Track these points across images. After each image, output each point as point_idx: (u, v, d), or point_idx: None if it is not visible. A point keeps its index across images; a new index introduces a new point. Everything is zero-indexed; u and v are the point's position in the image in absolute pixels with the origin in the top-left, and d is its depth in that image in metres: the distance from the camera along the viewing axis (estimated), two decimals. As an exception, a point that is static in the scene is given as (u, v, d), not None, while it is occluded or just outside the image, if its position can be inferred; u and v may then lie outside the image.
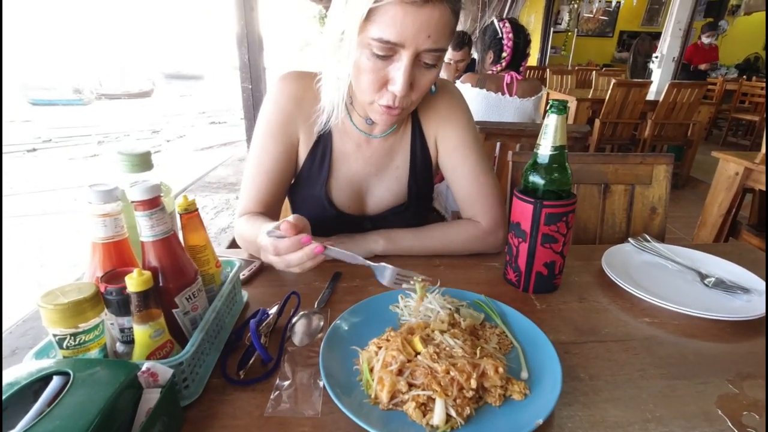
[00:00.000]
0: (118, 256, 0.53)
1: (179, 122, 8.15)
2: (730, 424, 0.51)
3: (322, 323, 0.67)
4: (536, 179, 0.74)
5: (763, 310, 0.70)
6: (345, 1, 0.68)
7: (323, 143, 0.90)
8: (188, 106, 10.06)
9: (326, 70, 0.81)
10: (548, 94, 4.43)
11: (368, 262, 0.65)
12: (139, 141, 6.73)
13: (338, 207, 0.93)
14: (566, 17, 9.21)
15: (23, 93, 9.84)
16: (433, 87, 0.80)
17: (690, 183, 4.14)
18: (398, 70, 0.71)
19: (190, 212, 0.61)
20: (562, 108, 0.70)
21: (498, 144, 1.59)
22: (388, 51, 0.69)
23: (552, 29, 8.61)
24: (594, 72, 5.46)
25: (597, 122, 3.75)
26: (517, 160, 1.16)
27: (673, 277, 0.84)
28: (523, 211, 0.74)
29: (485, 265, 0.88)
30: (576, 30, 9.20)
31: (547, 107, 0.71)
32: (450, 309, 0.65)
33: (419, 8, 0.65)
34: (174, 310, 0.55)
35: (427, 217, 1.02)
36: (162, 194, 0.54)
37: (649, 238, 0.95)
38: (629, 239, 0.95)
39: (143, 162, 0.58)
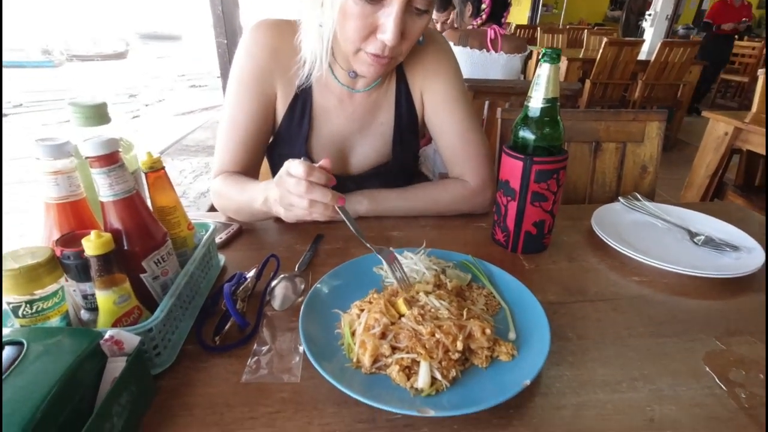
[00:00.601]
0: (75, 217, 0.49)
1: (157, 86, 7.82)
2: (717, 381, 0.50)
3: (302, 287, 0.64)
4: (527, 134, 0.70)
5: (751, 267, 0.69)
6: None
7: (303, 98, 0.84)
8: (166, 68, 9.63)
9: (307, 17, 0.74)
10: (538, 52, 4.31)
11: (369, 244, 0.62)
12: (116, 105, 6.46)
13: (320, 166, 0.89)
14: (559, -27, 8.91)
15: (-11, 55, 9.31)
16: (420, 37, 0.75)
17: (678, 145, 4.15)
18: (389, 17, 0.65)
19: (156, 170, 0.57)
20: (555, 57, 0.66)
21: (487, 102, 1.54)
22: None
23: (544, -14, 8.34)
24: (585, 31, 5.32)
25: (587, 83, 3.69)
26: (506, 118, 1.12)
27: (663, 236, 0.83)
28: (513, 168, 0.71)
29: (473, 226, 0.85)
30: (568, -13, 8.93)
31: (539, 56, 0.66)
32: (436, 270, 0.63)
33: None
34: (142, 275, 0.52)
35: (414, 180, 0.98)
36: (121, 150, 0.49)
37: (639, 197, 0.93)
38: (619, 198, 0.93)
39: (98, 114, 0.52)
